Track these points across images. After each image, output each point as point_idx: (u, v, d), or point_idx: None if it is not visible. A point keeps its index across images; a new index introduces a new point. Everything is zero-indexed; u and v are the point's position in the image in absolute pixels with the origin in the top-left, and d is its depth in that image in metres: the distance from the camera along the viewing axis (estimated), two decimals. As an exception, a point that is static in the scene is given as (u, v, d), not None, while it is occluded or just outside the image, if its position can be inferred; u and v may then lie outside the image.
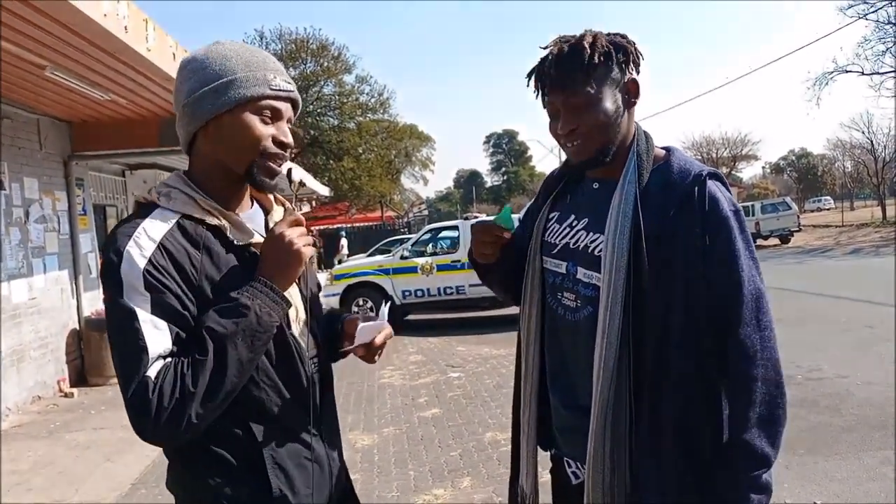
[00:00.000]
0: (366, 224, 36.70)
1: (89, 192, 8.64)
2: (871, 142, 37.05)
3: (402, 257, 11.69)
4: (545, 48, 1.49)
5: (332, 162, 32.38)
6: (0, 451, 5.32)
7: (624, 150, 1.50)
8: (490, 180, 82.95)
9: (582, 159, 1.49)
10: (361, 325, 1.47)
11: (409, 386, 7.12)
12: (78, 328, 7.94)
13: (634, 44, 1.48)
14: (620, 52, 1.44)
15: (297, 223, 1.30)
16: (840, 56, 58.95)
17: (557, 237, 1.59)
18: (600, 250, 1.45)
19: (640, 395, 1.39)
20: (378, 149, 36.04)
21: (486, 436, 5.14)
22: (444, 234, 12.51)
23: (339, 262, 20.16)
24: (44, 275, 7.34)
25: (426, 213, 52.38)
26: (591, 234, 1.50)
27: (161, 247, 1.19)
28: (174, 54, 5.87)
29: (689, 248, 1.38)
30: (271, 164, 1.31)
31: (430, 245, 12.10)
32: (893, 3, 25.21)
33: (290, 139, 1.33)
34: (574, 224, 1.56)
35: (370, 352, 1.46)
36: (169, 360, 1.16)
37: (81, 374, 7.83)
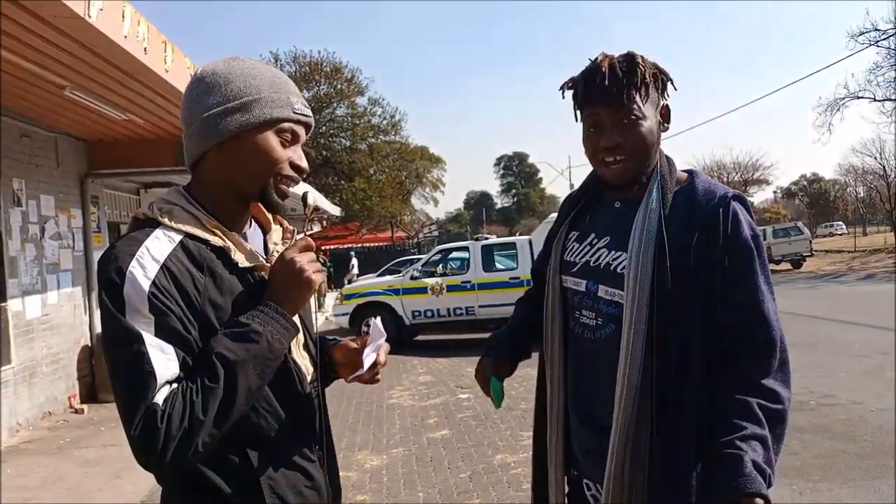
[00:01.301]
0: (376, 244, 36.81)
1: (104, 210, 8.74)
2: (884, 167, 36.87)
3: (413, 277, 11.71)
4: (594, 60, 1.50)
5: (343, 182, 32.58)
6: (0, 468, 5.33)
7: (647, 173, 1.52)
8: (500, 202, 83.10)
9: (622, 179, 1.50)
10: (367, 350, 1.41)
11: (418, 407, 7.10)
12: (90, 344, 7.98)
13: (665, 71, 1.52)
14: (663, 75, 1.50)
15: (307, 248, 1.26)
16: (851, 82, 59.01)
17: (577, 256, 1.60)
18: (623, 268, 1.46)
19: (661, 414, 1.39)
20: (389, 170, 36.25)
21: (495, 458, 5.11)
22: (454, 254, 12.53)
23: (349, 281, 20.19)
24: (57, 291, 7.41)
25: (436, 233, 52.48)
26: (614, 252, 1.52)
27: (164, 268, 1.14)
28: (192, 75, 5.95)
29: (710, 268, 1.39)
30: (285, 186, 1.28)
31: (441, 266, 12.12)
32: (905, 30, 25.23)
33: (305, 163, 1.30)
34: (594, 242, 1.58)
35: (373, 373, 1.42)
36: (176, 385, 1.11)
37: (92, 391, 7.85)
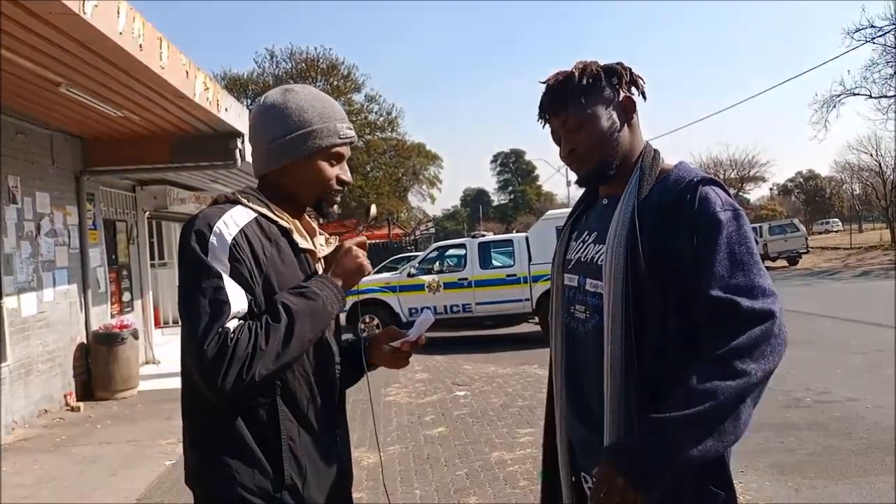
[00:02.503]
0: (373, 241, 36.78)
1: (100, 207, 8.72)
2: (880, 164, 36.99)
3: (410, 275, 11.71)
4: (544, 82, 1.59)
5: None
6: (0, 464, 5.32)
7: (630, 166, 1.56)
8: (497, 199, 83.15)
9: (584, 173, 1.58)
10: (420, 318, 1.68)
11: (415, 404, 7.10)
12: (86, 342, 7.97)
13: (630, 68, 1.57)
14: (612, 74, 1.55)
15: (362, 244, 1.54)
16: (847, 79, 59.05)
17: (574, 253, 1.66)
18: (602, 259, 1.50)
19: (644, 401, 1.39)
20: (386, 167, 36.31)
21: (492, 455, 5.11)
22: (451, 252, 12.53)
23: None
24: (53, 288, 7.39)
25: (433, 231, 52.46)
26: (597, 245, 1.57)
27: (242, 231, 1.37)
28: (187, 72, 5.94)
29: (682, 250, 1.40)
30: (334, 196, 1.56)
31: (438, 263, 12.13)
32: (901, 27, 25.27)
33: (349, 177, 1.57)
34: (586, 239, 1.63)
35: (407, 353, 1.64)
36: (243, 321, 1.30)
37: (88, 389, 7.84)
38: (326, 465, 1.47)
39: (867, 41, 25.44)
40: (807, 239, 29.17)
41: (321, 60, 32.30)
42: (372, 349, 1.67)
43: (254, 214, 1.43)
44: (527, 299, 11.15)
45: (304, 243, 1.49)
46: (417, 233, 39.40)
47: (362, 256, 1.53)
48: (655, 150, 1.59)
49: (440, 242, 14.25)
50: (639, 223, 1.45)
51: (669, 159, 1.60)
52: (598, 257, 1.54)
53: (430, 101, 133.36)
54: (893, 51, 26.35)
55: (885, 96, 27.44)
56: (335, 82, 32.54)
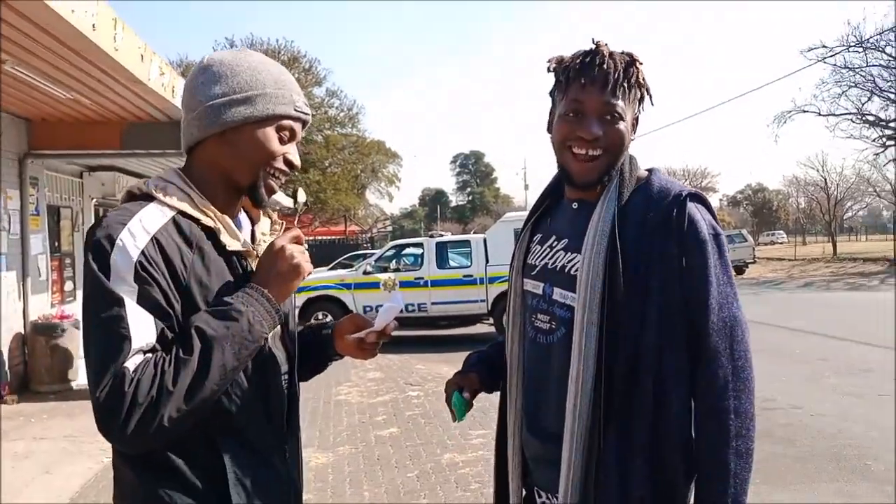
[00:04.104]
0: (328, 237, 36.43)
1: (44, 192, 8.35)
2: (825, 180, 38.42)
3: (365, 272, 11.60)
4: (595, 43, 1.45)
5: (297, 174, 32.16)
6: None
7: (612, 175, 1.49)
8: (455, 200, 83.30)
9: (590, 176, 1.44)
10: (387, 305, 1.49)
11: (366, 403, 7.01)
12: (23, 332, 7.63)
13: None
14: (644, 79, 1.47)
15: (297, 239, 1.29)
16: (799, 96, 61.07)
17: (538, 259, 1.57)
18: (576, 269, 1.43)
19: (610, 420, 1.36)
20: (345, 163, 35.95)
21: (444, 457, 5.07)
22: (408, 250, 12.47)
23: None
24: (-10, 275, 7.05)
25: (390, 229, 52.25)
26: (570, 254, 1.48)
27: (154, 240, 1.16)
28: (142, 56, 5.74)
29: (665, 268, 1.36)
30: (274, 181, 1.32)
31: (394, 261, 12.05)
32: (850, 49, 26.29)
33: (298, 161, 1.35)
34: (554, 245, 1.54)
35: (375, 342, 1.48)
36: (150, 355, 1.11)
37: (24, 381, 7.50)
38: (276, 485, 1.31)
39: (818, 60, 26.37)
40: (754, 249, 30.04)
41: (282, 52, 31.82)
42: (337, 338, 1.52)
43: (170, 214, 1.20)
44: (483, 300, 11.16)
45: (232, 244, 1.26)
46: (374, 230, 39.24)
47: (298, 255, 1.26)
48: (631, 156, 1.52)
49: (397, 241, 14.17)
50: (618, 234, 1.38)
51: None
52: (572, 267, 1.46)
53: (389, 100, 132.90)
54: (842, 70, 27.38)
55: (833, 114, 28.47)
56: (296, 75, 32.04)
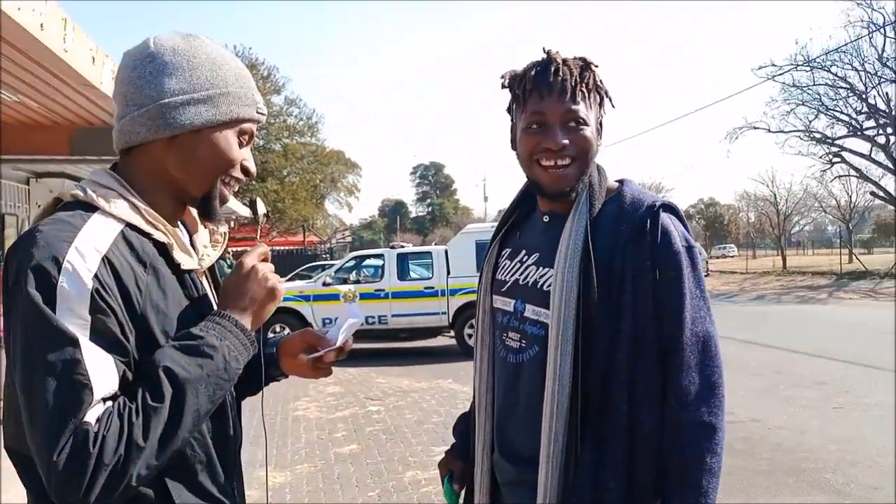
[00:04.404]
0: (286, 248, 35.91)
1: (-13, 199, 8.00)
2: (775, 195, 39.50)
3: (325, 284, 11.41)
4: (547, 53, 1.41)
5: (254, 182, 31.65)
6: None
7: (584, 183, 1.44)
8: (415, 211, 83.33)
9: (560, 185, 1.39)
10: (345, 320, 1.34)
11: (325, 419, 6.84)
12: (-38, 346, 7.24)
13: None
14: (603, 91, 1.44)
15: (265, 257, 1.16)
16: (750, 113, 63.01)
17: (507, 274, 1.52)
18: (549, 285, 1.38)
19: (585, 440, 1.31)
20: (303, 172, 35.56)
21: (406, 475, 4.95)
22: (368, 262, 12.33)
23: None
24: (-74, 286, 6.67)
25: (349, 240, 51.82)
26: (541, 268, 1.44)
27: (106, 260, 0.98)
28: (94, 58, 5.52)
29: (638, 281, 1.32)
30: (228, 190, 1.17)
31: (354, 273, 11.90)
32: (798, 68, 27.21)
33: (254, 167, 1.20)
34: (524, 260, 1.49)
35: (329, 363, 1.32)
36: (111, 403, 0.94)
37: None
38: None
39: (768, 78, 27.21)
40: (707, 262, 30.68)
41: (240, 58, 31.34)
42: (283, 356, 1.36)
43: (118, 227, 1.02)
44: (444, 312, 11.08)
45: (187, 262, 1.12)
46: (333, 241, 38.86)
47: (272, 277, 1.14)
48: (600, 166, 1.48)
49: (357, 252, 14.02)
50: (592, 246, 1.34)
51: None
52: (544, 282, 1.41)
53: (350, 110, 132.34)
54: (791, 89, 28.31)
55: (782, 131, 29.38)
56: (255, 83, 31.64)
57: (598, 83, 1.42)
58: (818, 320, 14.61)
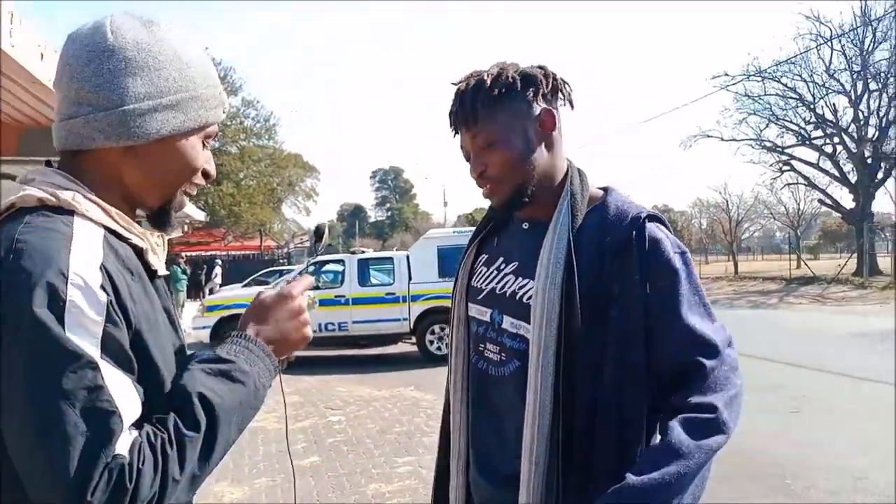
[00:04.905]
0: (243, 252, 35.29)
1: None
2: (727, 202, 40.52)
3: (283, 290, 11.19)
4: (456, 84, 1.36)
5: (210, 186, 31.01)
6: None
7: (553, 190, 1.37)
8: (374, 215, 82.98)
9: (499, 204, 1.37)
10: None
11: (284, 430, 6.65)
12: None
13: (552, 75, 1.36)
14: (530, 82, 1.32)
15: (309, 285, 1.09)
16: (704, 122, 64.61)
17: (484, 282, 1.44)
18: (530, 297, 1.31)
19: (569, 463, 1.24)
20: (260, 175, 35.03)
21: (369, 488, 4.83)
22: (328, 267, 12.13)
23: (212, 291, 19.10)
24: None
25: (307, 244, 51.23)
26: (521, 279, 1.36)
27: (104, 269, 0.87)
28: (42, 54, 5.28)
29: (626, 297, 1.25)
30: (186, 197, 1.08)
31: (314, 278, 11.69)
32: (750, 78, 27.99)
33: (214, 169, 1.10)
34: (502, 267, 1.42)
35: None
36: (136, 433, 0.83)
37: None
38: None
39: (721, 88, 27.93)
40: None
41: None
42: None
43: (101, 232, 0.93)
44: (405, 319, 10.97)
45: (161, 267, 1.05)
46: (291, 245, 38.32)
47: (308, 322, 1.06)
48: (581, 172, 1.41)
49: (317, 258, 13.79)
50: (575, 259, 1.27)
51: (601, 179, 1.44)
52: (524, 294, 1.34)
53: (308, 114, 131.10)
54: (743, 98, 29.10)
55: (735, 140, 30.16)
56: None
57: (510, 81, 1.31)
58: (771, 325, 14.96)
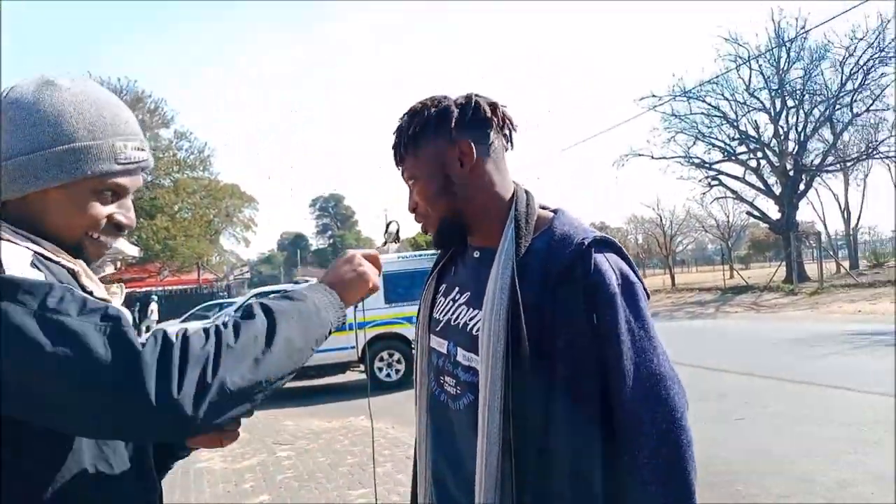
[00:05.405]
0: (180, 287, 34.27)
1: None
2: (660, 217, 41.76)
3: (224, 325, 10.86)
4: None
5: (143, 220, 30.06)
6: None
7: (497, 217, 1.34)
8: (316, 243, 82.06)
9: (433, 237, 1.38)
10: None
11: (231, 470, 6.38)
12: None
13: (472, 105, 1.33)
14: (444, 117, 1.31)
15: (373, 260, 1.21)
16: (636, 141, 66.71)
17: (441, 313, 1.42)
18: (478, 329, 1.27)
19: (524, 497, 1.20)
20: (196, 208, 34.25)
21: (323, 524, 4.66)
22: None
23: (148, 329, 18.42)
24: None
25: (248, 276, 50.15)
26: (471, 309, 1.34)
27: (36, 269, 0.95)
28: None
29: (571, 327, 1.21)
30: (99, 246, 1.09)
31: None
32: (676, 98, 29.07)
33: (130, 219, 1.12)
34: (457, 298, 1.40)
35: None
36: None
37: None
38: None
39: (650, 109, 28.88)
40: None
41: (124, 92, 29.92)
42: None
43: (29, 253, 0.96)
44: (352, 347, 10.76)
45: (98, 290, 1.06)
46: (231, 277, 37.47)
47: (368, 267, 1.18)
48: (528, 194, 1.38)
49: (259, 288, 13.49)
50: (520, 288, 1.23)
51: (541, 201, 1.41)
52: (474, 325, 1.30)
53: (244, 143, 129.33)
54: (670, 118, 30.16)
55: (665, 157, 31.17)
56: (140, 116, 30.23)
57: (421, 124, 1.32)
58: (706, 334, 15.39)
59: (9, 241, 0.95)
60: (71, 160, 1.02)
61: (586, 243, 1.25)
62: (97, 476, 0.98)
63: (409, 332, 9.98)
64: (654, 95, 29.12)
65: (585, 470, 1.20)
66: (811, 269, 28.08)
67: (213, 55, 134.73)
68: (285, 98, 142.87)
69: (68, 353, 0.82)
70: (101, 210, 1.07)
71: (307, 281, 12.42)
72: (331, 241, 78.62)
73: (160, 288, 32.66)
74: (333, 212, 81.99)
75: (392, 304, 10.22)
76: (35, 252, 0.98)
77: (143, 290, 31.09)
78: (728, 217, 40.63)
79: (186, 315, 17.08)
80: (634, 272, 1.30)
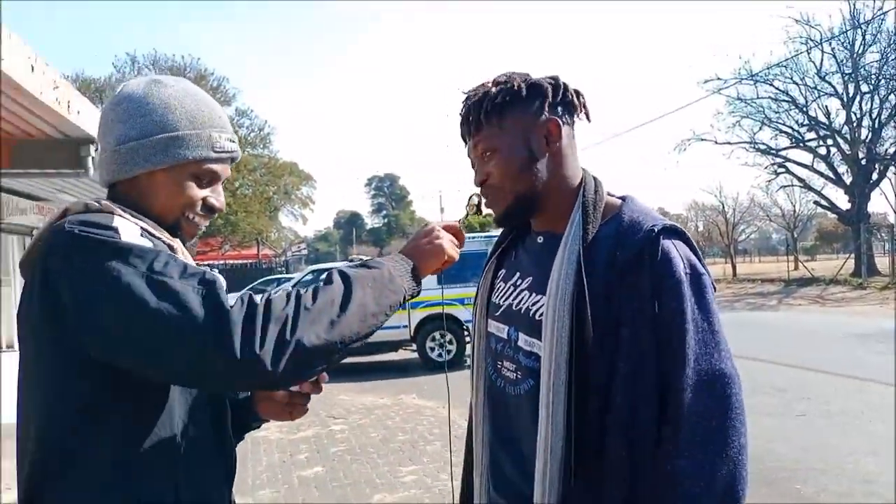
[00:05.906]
0: (240, 261, 35.21)
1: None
2: (722, 205, 40.53)
3: (281, 299, 11.13)
4: (466, 93, 1.37)
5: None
6: None
7: (566, 201, 1.32)
8: (371, 222, 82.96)
9: (499, 213, 1.35)
10: None
11: (287, 440, 6.58)
12: None
13: (563, 86, 1.33)
14: (536, 92, 1.30)
15: (455, 232, 1.28)
16: (698, 125, 64.80)
17: (502, 298, 1.41)
18: (542, 314, 1.26)
19: (580, 482, 1.20)
20: (256, 184, 34.99)
21: (373, 498, 4.77)
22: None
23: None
24: None
25: (305, 252, 51.17)
26: (534, 294, 1.33)
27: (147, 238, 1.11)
28: (33, 66, 5.22)
29: (637, 314, 1.19)
30: (193, 227, 1.23)
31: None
32: (742, 82, 28.05)
33: (221, 202, 1.26)
34: (518, 283, 1.39)
35: (306, 397, 1.36)
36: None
37: None
38: None
39: (714, 92, 27.96)
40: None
41: (188, 70, 30.68)
42: (260, 400, 1.36)
43: (138, 227, 1.10)
44: (405, 326, 10.89)
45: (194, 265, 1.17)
46: (289, 254, 38.26)
47: (446, 240, 1.23)
48: (597, 181, 1.36)
49: (316, 265, 13.76)
50: (586, 275, 1.21)
51: (610, 189, 1.39)
52: (537, 310, 1.30)
53: (304, 122, 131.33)
54: (736, 102, 29.16)
55: (729, 143, 30.21)
56: (204, 93, 31.00)
57: (510, 96, 1.30)
58: (772, 327, 14.92)
59: (121, 216, 1.10)
60: (174, 146, 1.16)
61: (656, 230, 1.23)
62: (185, 434, 1.10)
63: (459, 313, 10.03)
64: (719, 78, 28.23)
65: (645, 457, 1.19)
66: (882, 262, 26.89)
67: (278, 40, 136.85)
68: (347, 80, 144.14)
69: (169, 309, 0.94)
70: (198, 192, 1.21)
71: (361, 259, 12.63)
72: (385, 220, 79.33)
73: (221, 262, 33.61)
74: (388, 191, 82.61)
75: (444, 285, 10.28)
76: (142, 227, 1.12)
77: (205, 263, 32.10)
78: (794, 206, 39.17)
79: (246, 289, 17.55)
80: (702, 263, 1.27)
